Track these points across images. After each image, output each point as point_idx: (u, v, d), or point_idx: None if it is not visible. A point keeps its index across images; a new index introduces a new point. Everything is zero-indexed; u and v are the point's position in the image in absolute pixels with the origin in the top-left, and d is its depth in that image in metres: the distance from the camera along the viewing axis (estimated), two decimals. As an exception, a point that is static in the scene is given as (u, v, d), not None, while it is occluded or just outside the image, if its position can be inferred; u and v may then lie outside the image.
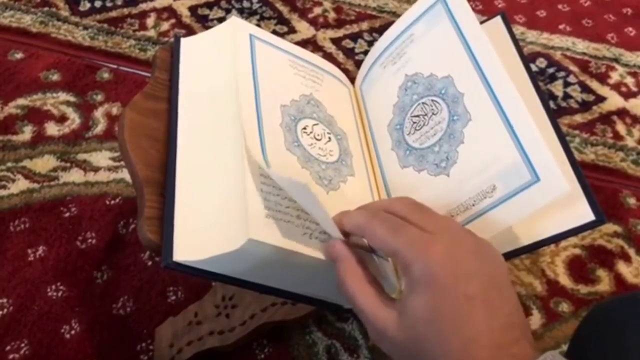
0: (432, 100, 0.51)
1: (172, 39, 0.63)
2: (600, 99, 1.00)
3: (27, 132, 0.86)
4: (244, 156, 0.44)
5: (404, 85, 0.54)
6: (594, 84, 1.02)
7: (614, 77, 1.03)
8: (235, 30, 0.54)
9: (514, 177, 0.43)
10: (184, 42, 0.56)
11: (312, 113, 0.52)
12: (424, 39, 0.54)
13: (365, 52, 1.03)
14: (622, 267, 0.79)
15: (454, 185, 0.46)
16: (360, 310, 0.38)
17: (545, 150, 0.43)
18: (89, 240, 0.76)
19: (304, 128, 0.50)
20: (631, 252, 0.81)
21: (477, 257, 0.36)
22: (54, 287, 0.72)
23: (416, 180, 0.49)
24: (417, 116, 0.51)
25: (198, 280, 0.70)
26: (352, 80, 0.62)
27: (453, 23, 0.52)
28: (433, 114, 0.50)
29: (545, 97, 0.51)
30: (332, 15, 1.10)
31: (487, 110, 0.47)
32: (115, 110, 0.90)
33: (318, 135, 0.51)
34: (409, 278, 0.36)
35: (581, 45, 1.08)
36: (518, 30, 1.10)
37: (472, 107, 0.48)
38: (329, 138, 0.52)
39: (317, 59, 0.59)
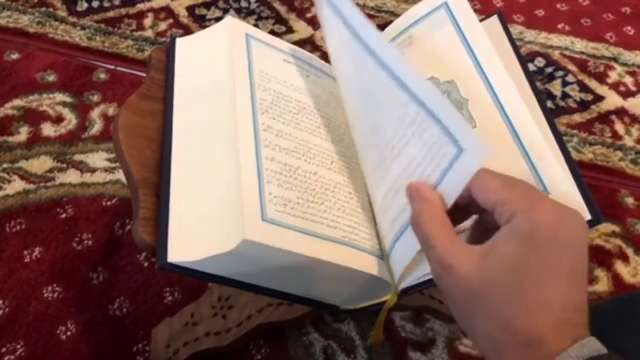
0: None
1: (169, 39, 0.63)
2: (599, 98, 1.00)
3: (23, 133, 0.86)
4: (239, 157, 0.44)
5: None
6: (593, 83, 1.02)
7: (613, 76, 1.03)
8: (231, 30, 0.54)
9: None
10: (180, 42, 0.56)
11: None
12: (424, 41, 0.54)
13: (363, 52, 1.03)
14: (620, 267, 0.79)
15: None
16: (430, 244, 0.37)
17: (562, 173, 0.44)
18: (85, 242, 0.76)
19: None
20: (629, 251, 0.81)
21: (582, 235, 0.36)
22: (50, 288, 0.71)
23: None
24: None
25: (194, 281, 0.70)
26: (349, 79, 0.62)
27: (457, 29, 0.52)
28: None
29: (542, 96, 0.51)
30: (329, 15, 1.10)
31: (493, 118, 0.47)
32: (111, 110, 0.90)
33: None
34: (510, 225, 0.35)
35: (580, 45, 1.08)
36: (517, 29, 1.10)
37: (476, 113, 0.48)
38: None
39: (313, 58, 0.59)
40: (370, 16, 1.10)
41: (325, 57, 1.04)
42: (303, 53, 0.58)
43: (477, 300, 0.35)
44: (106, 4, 1.07)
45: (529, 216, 0.35)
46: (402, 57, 0.44)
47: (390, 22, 1.07)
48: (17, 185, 0.80)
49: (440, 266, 0.36)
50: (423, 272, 0.45)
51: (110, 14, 1.06)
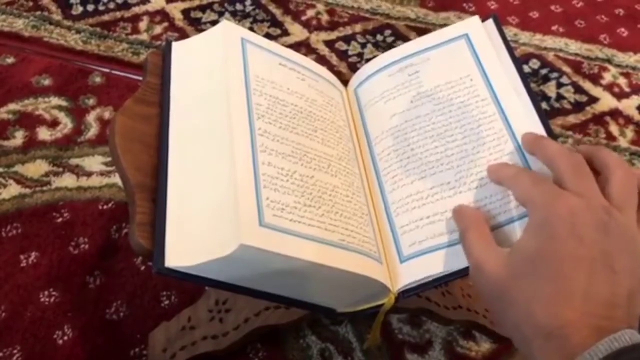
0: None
1: (164, 43, 0.63)
2: (593, 99, 1.00)
3: (18, 137, 0.86)
4: (235, 161, 0.44)
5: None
6: (587, 85, 1.02)
7: (607, 77, 1.04)
8: (226, 33, 0.54)
9: None
10: (175, 46, 0.56)
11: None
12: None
13: (359, 54, 1.03)
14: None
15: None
16: (471, 251, 0.41)
17: None
18: (82, 246, 0.76)
19: None
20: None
21: (601, 231, 0.36)
22: (46, 292, 0.71)
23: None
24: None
25: (192, 284, 0.70)
26: (344, 82, 0.62)
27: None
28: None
29: (537, 98, 0.52)
30: (325, 17, 1.10)
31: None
32: (107, 114, 0.90)
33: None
34: (530, 222, 0.38)
35: (574, 46, 1.08)
36: (511, 31, 1.10)
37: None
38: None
39: (309, 62, 0.59)
40: (365, 19, 1.10)
41: (320, 59, 1.04)
42: (299, 56, 0.58)
43: (504, 295, 0.37)
44: (101, 8, 1.07)
45: (545, 211, 0.37)
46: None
47: (386, 25, 1.07)
48: (12, 189, 0.80)
49: (474, 267, 0.40)
50: (424, 274, 0.46)
51: (106, 17, 1.06)
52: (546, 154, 0.42)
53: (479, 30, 0.56)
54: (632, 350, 0.31)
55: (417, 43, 0.58)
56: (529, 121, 0.49)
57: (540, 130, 0.49)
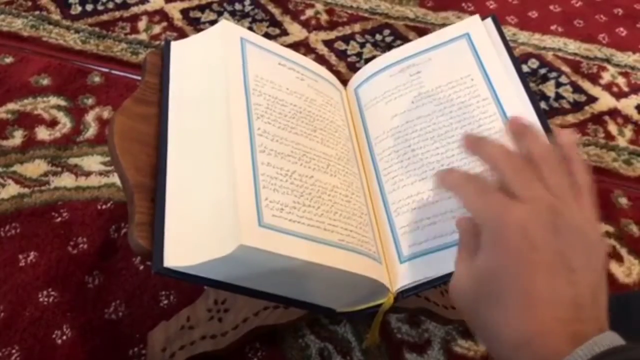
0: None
1: (163, 42, 0.63)
2: (592, 99, 1.00)
3: (17, 137, 0.86)
4: (234, 162, 0.44)
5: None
6: (586, 85, 1.02)
7: (606, 77, 1.04)
8: (225, 33, 0.54)
9: None
10: (174, 45, 0.56)
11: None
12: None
13: (358, 54, 1.03)
14: (614, 267, 0.79)
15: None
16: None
17: None
18: (81, 245, 0.76)
19: None
20: (623, 252, 0.81)
21: (551, 232, 0.36)
22: (45, 292, 0.71)
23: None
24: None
25: (190, 284, 0.70)
26: (344, 82, 0.62)
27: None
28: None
29: (536, 98, 0.52)
30: (324, 17, 1.10)
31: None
32: (106, 114, 0.90)
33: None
34: (482, 237, 0.37)
35: (573, 46, 1.09)
36: (510, 31, 1.10)
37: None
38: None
39: (308, 62, 0.59)
40: (364, 18, 1.10)
41: (319, 59, 1.03)
42: (298, 56, 0.58)
43: (473, 313, 0.37)
44: (100, 7, 1.07)
45: (494, 224, 0.36)
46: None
47: (385, 24, 1.07)
48: (11, 189, 0.80)
49: (450, 288, 0.39)
50: (423, 275, 0.46)
51: (104, 17, 1.06)
52: (486, 157, 0.40)
53: (479, 30, 0.56)
54: (613, 353, 0.31)
55: (419, 43, 0.59)
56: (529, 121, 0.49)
57: (529, 110, 0.49)
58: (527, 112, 0.50)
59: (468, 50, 0.55)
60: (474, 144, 0.42)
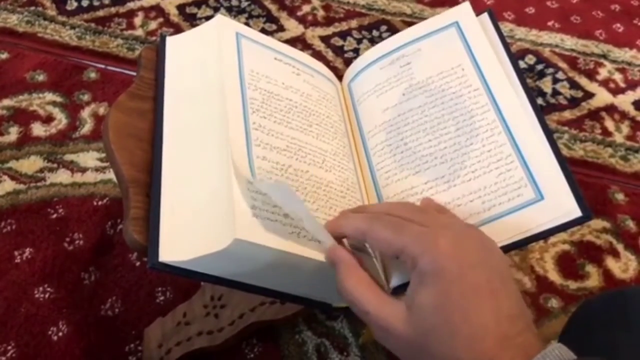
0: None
1: (159, 38, 0.63)
2: (589, 95, 1.00)
3: (13, 133, 0.86)
4: (229, 156, 0.44)
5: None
6: (583, 81, 1.02)
7: (603, 73, 1.04)
8: (221, 28, 0.54)
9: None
10: (170, 41, 0.56)
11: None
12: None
13: (354, 50, 1.03)
14: (610, 263, 0.80)
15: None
16: (364, 310, 0.38)
17: (553, 171, 0.45)
18: (77, 242, 0.75)
19: None
20: (619, 247, 0.81)
21: (482, 249, 0.36)
22: (41, 289, 0.71)
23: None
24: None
25: (187, 280, 0.70)
26: (340, 78, 0.62)
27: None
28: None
29: (532, 93, 0.51)
30: (321, 13, 1.10)
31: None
32: (102, 110, 0.90)
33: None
34: (416, 272, 0.36)
35: (570, 42, 1.08)
36: (507, 27, 1.10)
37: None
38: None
39: (305, 56, 0.59)
40: (361, 14, 1.10)
41: (316, 55, 1.03)
42: (294, 51, 0.58)
43: (421, 351, 0.36)
44: (96, 3, 1.07)
45: (430, 257, 0.35)
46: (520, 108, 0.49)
47: (382, 20, 1.07)
48: (7, 185, 0.80)
49: (379, 330, 0.38)
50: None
51: (100, 13, 1.05)
52: (371, 221, 0.40)
53: (469, 17, 0.55)
54: None
55: (408, 33, 0.58)
56: (521, 111, 0.49)
57: (532, 119, 0.48)
58: (520, 103, 0.50)
59: (458, 39, 0.55)
60: (336, 224, 0.42)
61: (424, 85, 0.54)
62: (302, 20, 1.08)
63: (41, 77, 0.93)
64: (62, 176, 0.81)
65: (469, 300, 0.34)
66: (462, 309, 0.34)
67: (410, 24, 1.07)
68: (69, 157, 0.84)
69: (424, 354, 0.36)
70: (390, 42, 0.58)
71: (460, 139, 0.50)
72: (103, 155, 0.84)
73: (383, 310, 0.37)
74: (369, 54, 0.59)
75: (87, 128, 0.87)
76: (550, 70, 1.03)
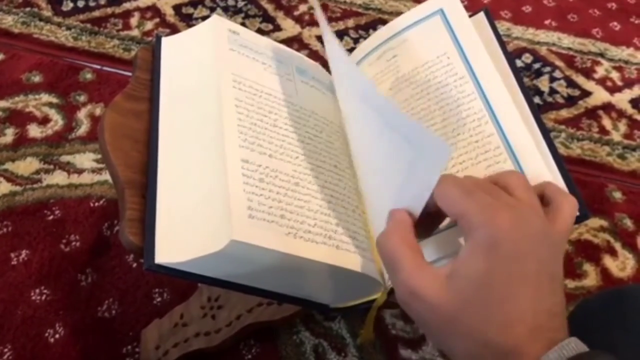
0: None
1: (155, 39, 0.62)
2: (586, 93, 1.00)
3: (9, 135, 0.85)
4: (225, 156, 0.44)
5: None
6: (580, 79, 1.02)
7: (600, 71, 1.04)
8: (217, 29, 0.54)
9: None
10: (165, 41, 0.55)
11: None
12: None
13: (351, 50, 1.03)
14: (608, 262, 0.80)
15: None
16: (398, 269, 0.36)
17: (544, 167, 0.45)
18: (73, 243, 0.75)
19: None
20: (617, 246, 0.81)
21: (540, 241, 0.36)
22: (37, 291, 0.71)
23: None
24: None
25: (184, 281, 0.69)
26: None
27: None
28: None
29: (529, 92, 0.51)
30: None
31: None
32: (98, 111, 0.89)
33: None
34: (471, 242, 0.35)
35: (567, 41, 1.08)
36: (504, 25, 1.10)
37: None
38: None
39: (299, 57, 0.59)
40: (358, 14, 1.09)
41: (312, 55, 1.03)
42: (289, 51, 0.58)
43: (451, 323, 0.35)
44: (92, 4, 1.06)
45: (488, 230, 0.35)
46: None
47: (379, 19, 1.06)
48: (3, 187, 0.79)
49: (407, 294, 0.36)
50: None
51: (96, 13, 1.05)
52: (444, 178, 0.38)
53: (453, 3, 0.54)
54: (580, 358, 0.32)
55: (393, 26, 0.57)
56: (507, 99, 0.48)
57: (521, 105, 0.48)
58: (503, 85, 0.49)
59: (442, 26, 0.54)
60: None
61: (410, 77, 0.53)
62: (298, 19, 1.08)
63: (37, 78, 0.93)
64: (59, 177, 0.81)
65: (512, 285, 0.34)
66: (504, 292, 0.34)
67: (407, 23, 1.08)
68: (65, 158, 0.83)
69: (451, 326, 0.35)
70: (377, 37, 0.58)
71: (447, 130, 0.49)
72: (99, 156, 0.83)
73: (419, 273, 0.36)
74: (358, 53, 0.59)
75: (83, 129, 0.87)
76: (547, 69, 1.03)
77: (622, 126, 0.96)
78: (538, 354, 0.32)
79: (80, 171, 0.82)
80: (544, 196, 0.40)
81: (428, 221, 0.40)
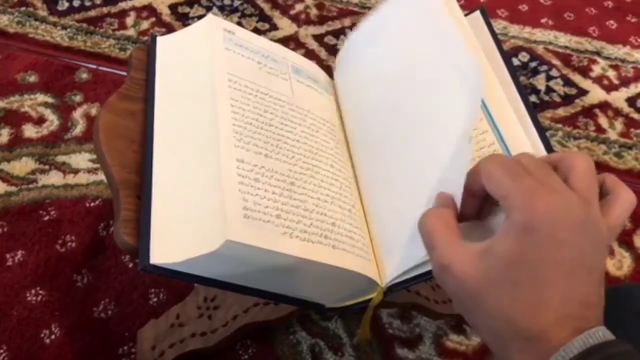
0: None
1: (150, 38, 0.62)
2: (583, 92, 1.00)
3: (4, 135, 0.85)
4: (220, 156, 0.44)
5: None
6: (576, 78, 1.02)
7: (596, 70, 1.04)
8: (211, 28, 0.53)
9: None
10: (160, 41, 0.55)
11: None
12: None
13: (348, 49, 1.03)
14: (605, 260, 0.80)
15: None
16: (432, 244, 0.38)
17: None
18: (69, 244, 0.75)
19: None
20: (614, 244, 0.81)
21: (580, 231, 0.35)
22: (33, 291, 0.71)
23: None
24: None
25: (180, 281, 0.69)
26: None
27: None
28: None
29: (525, 91, 0.51)
30: (314, 11, 1.10)
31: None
32: (94, 111, 0.89)
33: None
34: (508, 222, 0.35)
35: (563, 39, 1.08)
36: (500, 24, 1.10)
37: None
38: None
39: (295, 56, 0.58)
40: (354, 13, 1.09)
41: (309, 54, 1.03)
42: (285, 51, 0.58)
43: (477, 299, 0.35)
44: (87, 3, 1.06)
45: (526, 212, 0.35)
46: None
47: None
48: (-2, 187, 0.79)
49: (438, 267, 0.37)
50: (407, 265, 0.45)
51: (92, 13, 1.05)
52: (491, 159, 0.38)
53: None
54: (604, 346, 0.31)
55: (377, 15, 0.56)
56: (502, 97, 0.48)
57: (518, 103, 0.48)
58: (498, 82, 0.49)
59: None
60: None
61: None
62: (295, 18, 1.08)
63: (32, 78, 0.92)
64: (54, 178, 0.81)
65: (544, 270, 0.34)
66: (534, 275, 0.34)
67: (403, 22, 1.07)
68: (60, 158, 0.83)
69: (476, 303, 0.35)
70: (361, 31, 0.58)
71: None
72: (95, 156, 0.83)
73: (452, 248, 0.37)
74: (346, 46, 0.59)
75: (79, 129, 0.87)
76: (544, 67, 1.03)
77: (619, 125, 0.96)
78: (563, 342, 0.32)
79: (75, 171, 0.82)
80: (602, 186, 0.39)
81: (476, 204, 0.41)
